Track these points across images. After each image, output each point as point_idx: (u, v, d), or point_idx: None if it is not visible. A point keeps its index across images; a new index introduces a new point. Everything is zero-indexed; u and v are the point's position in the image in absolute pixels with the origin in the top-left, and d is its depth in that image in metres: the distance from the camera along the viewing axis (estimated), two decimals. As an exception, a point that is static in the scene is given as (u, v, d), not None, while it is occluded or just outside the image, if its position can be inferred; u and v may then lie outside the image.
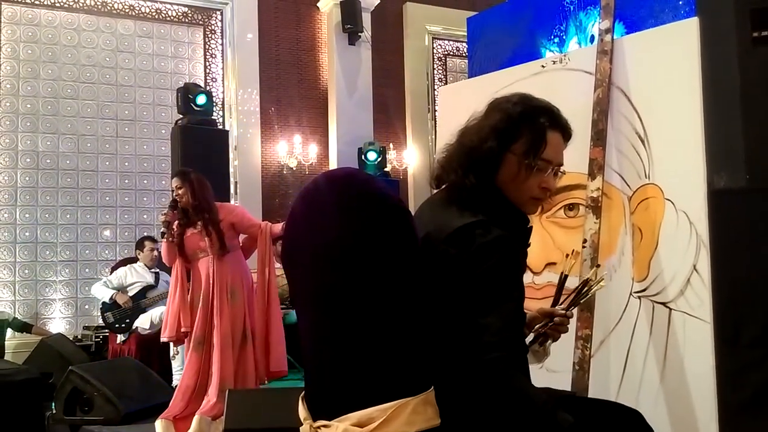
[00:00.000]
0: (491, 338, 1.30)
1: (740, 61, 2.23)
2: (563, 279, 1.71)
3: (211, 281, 3.79)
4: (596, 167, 2.28)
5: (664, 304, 2.19)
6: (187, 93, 5.81)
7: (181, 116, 5.85)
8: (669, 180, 2.22)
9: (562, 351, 2.30)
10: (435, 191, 1.72)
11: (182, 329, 3.80)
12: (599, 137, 2.31)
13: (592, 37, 4.12)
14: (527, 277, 1.71)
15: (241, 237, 4.09)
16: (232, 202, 6.70)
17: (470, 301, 1.34)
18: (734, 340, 2.09)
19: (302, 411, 1.45)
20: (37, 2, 6.70)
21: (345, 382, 1.37)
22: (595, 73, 2.36)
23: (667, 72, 2.26)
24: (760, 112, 2.19)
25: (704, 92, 2.17)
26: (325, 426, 1.36)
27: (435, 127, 8.28)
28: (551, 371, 2.40)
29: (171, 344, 4.15)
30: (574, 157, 2.45)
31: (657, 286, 2.21)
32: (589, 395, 2.17)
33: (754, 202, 2.18)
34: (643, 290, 2.24)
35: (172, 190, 3.92)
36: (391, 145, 8.01)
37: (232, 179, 6.97)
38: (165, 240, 3.88)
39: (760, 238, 2.15)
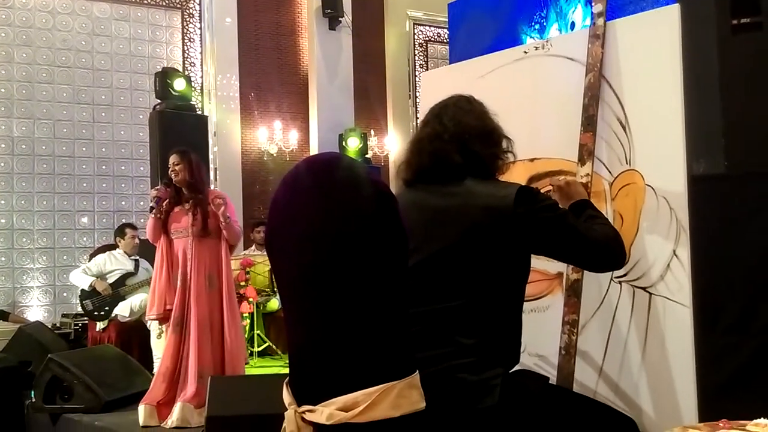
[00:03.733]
0: (590, 230, 1.76)
1: (720, 48, 2.25)
2: None
3: (188, 263, 3.78)
4: (586, 153, 2.27)
5: (644, 288, 2.22)
6: (165, 78, 5.74)
7: (159, 101, 5.78)
8: (649, 166, 2.23)
9: (548, 335, 2.33)
10: (414, 179, 1.78)
11: (167, 307, 3.79)
12: (590, 123, 2.29)
13: (573, 23, 4.13)
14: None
15: None
16: (212, 188, 6.65)
17: (565, 225, 1.73)
18: (713, 324, 2.12)
19: (287, 396, 1.45)
20: (10, -16, 6.56)
21: (329, 367, 1.37)
22: (587, 58, 2.35)
23: (647, 58, 2.27)
24: (740, 99, 2.22)
25: (684, 79, 2.18)
26: (310, 411, 1.36)
27: (416, 113, 8.28)
28: (535, 356, 2.42)
29: (155, 324, 4.13)
30: (557, 143, 2.46)
31: (638, 271, 2.23)
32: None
33: (733, 188, 2.21)
34: (624, 275, 2.26)
35: (168, 168, 3.87)
36: (372, 132, 8.00)
37: (211, 165, 6.91)
38: (152, 216, 3.86)
39: (738, 224, 2.18)
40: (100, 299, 5.21)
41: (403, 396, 1.32)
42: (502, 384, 1.60)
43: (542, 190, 1.93)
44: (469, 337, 1.64)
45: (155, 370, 3.99)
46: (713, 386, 2.07)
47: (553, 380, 2.07)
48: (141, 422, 3.64)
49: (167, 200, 3.85)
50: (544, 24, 4.18)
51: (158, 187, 3.95)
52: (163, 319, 3.89)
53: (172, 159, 3.87)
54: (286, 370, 1.51)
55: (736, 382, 2.09)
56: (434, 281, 1.69)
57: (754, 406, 1.54)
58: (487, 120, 1.82)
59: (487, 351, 1.64)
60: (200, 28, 7.40)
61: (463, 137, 1.76)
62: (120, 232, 5.60)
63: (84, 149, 6.78)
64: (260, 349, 5.84)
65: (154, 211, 3.84)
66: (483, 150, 1.77)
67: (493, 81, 2.69)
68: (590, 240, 1.72)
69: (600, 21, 2.36)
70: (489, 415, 1.59)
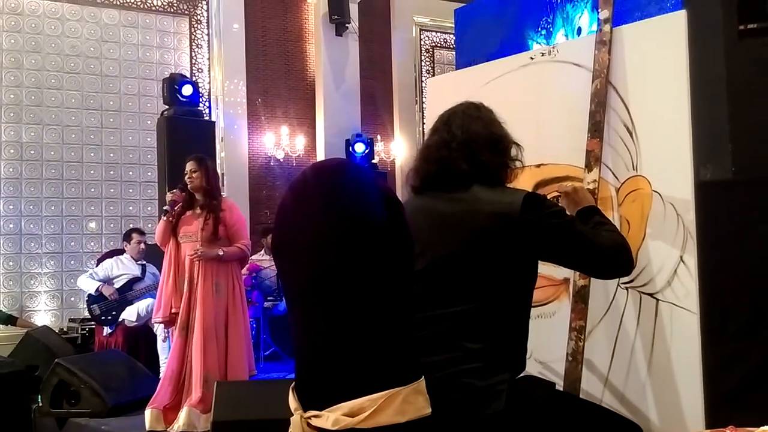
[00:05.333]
0: (597, 236, 1.75)
1: (727, 53, 2.24)
2: None
3: (195, 267, 3.80)
4: (593, 159, 2.26)
5: (651, 294, 2.21)
6: (172, 83, 5.76)
7: (166, 107, 5.80)
8: (656, 172, 2.23)
9: (554, 342, 2.32)
10: (422, 185, 1.78)
11: (172, 310, 3.82)
12: (597, 129, 2.29)
13: (579, 29, 4.13)
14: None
15: None
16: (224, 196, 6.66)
17: (572, 231, 1.72)
18: (720, 331, 2.11)
19: (293, 402, 1.45)
20: (20, -9, 6.61)
21: (335, 372, 1.37)
22: (593, 64, 2.35)
23: (654, 64, 2.27)
24: (747, 105, 2.21)
25: (691, 85, 2.18)
26: (315, 416, 1.36)
27: (422, 118, 8.29)
28: (540, 362, 2.42)
29: (161, 327, 4.15)
30: (563, 149, 2.46)
31: (644, 277, 2.22)
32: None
33: (740, 194, 2.20)
34: (631, 281, 2.25)
35: (185, 174, 3.93)
36: (378, 137, 8.00)
37: (218, 171, 6.92)
38: (165, 218, 3.89)
39: (745, 230, 2.17)
40: (107, 304, 5.22)
41: (409, 402, 1.32)
42: (508, 389, 1.60)
43: (549, 197, 1.92)
44: (475, 342, 1.64)
45: (162, 375, 4.00)
46: (720, 393, 2.06)
47: (559, 387, 2.06)
48: (147, 426, 3.65)
49: (181, 204, 3.89)
50: (551, 30, 4.18)
51: (174, 190, 3.98)
52: (168, 322, 3.91)
53: (190, 165, 3.91)
54: (292, 375, 1.51)
55: (743, 388, 2.07)
56: (440, 286, 1.69)
57: (762, 413, 1.53)
58: (495, 128, 1.82)
59: (493, 356, 1.64)
60: (208, 35, 7.44)
61: (471, 145, 1.76)
62: (127, 236, 5.63)
63: (92, 155, 6.82)
64: (266, 354, 5.84)
65: (167, 214, 3.87)
66: (491, 158, 1.77)
67: (500, 87, 2.70)
68: (598, 246, 1.71)
69: (606, 27, 2.36)
70: (495, 421, 1.58)
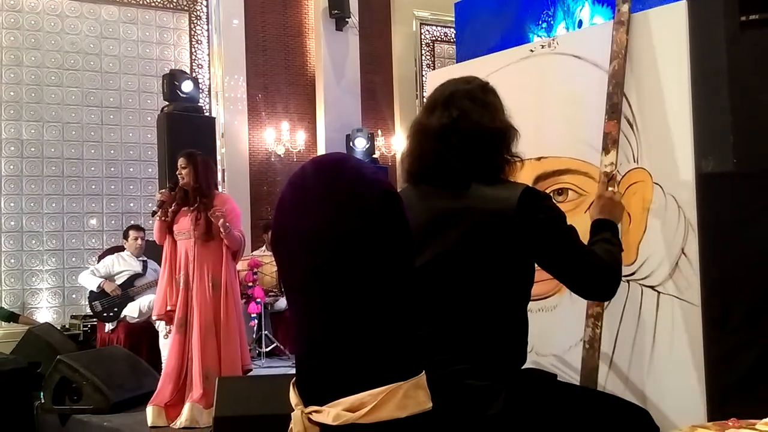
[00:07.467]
0: (589, 251, 1.71)
1: (728, 44, 2.23)
2: None
3: (190, 264, 3.80)
4: (611, 141, 2.20)
5: (652, 287, 2.21)
6: (173, 80, 5.76)
7: (167, 103, 5.80)
8: (657, 164, 2.22)
9: (555, 335, 2.32)
10: (419, 179, 1.75)
11: (168, 308, 3.82)
12: (614, 110, 2.24)
13: (580, 22, 4.12)
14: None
15: None
16: (220, 189, 6.65)
17: (565, 236, 1.68)
18: (722, 323, 2.11)
19: (293, 397, 1.45)
20: (18, -12, 6.60)
21: (336, 368, 1.37)
22: (612, 45, 2.29)
23: (655, 55, 2.26)
24: (748, 97, 2.20)
25: (692, 76, 2.17)
26: (316, 411, 1.36)
27: (423, 113, 8.25)
28: (541, 355, 2.41)
29: (163, 324, 4.17)
30: (564, 141, 2.46)
31: (646, 269, 2.22)
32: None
33: (742, 186, 2.19)
34: (632, 274, 2.25)
35: (176, 170, 3.94)
36: (379, 132, 7.99)
37: (219, 167, 6.92)
38: (158, 218, 3.89)
39: (747, 222, 2.16)
40: (109, 300, 5.23)
41: (410, 396, 1.32)
42: (508, 387, 1.59)
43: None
44: (475, 340, 1.63)
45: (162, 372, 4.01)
46: (722, 385, 2.06)
47: (573, 377, 2.05)
48: (149, 423, 3.66)
49: (174, 203, 3.89)
50: (551, 22, 4.16)
51: (163, 190, 3.99)
52: (166, 319, 3.92)
53: (180, 162, 3.92)
54: (293, 371, 1.50)
55: (745, 380, 2.07)
56: (439, 284, 1.68)
57: (764, 405, 1.53)
58: (500, 120, 1.75)
59: (493, 354, 1.63)
60: (207, 30, 7.42)
61: (474, 140, 1.70)
62: (125, 234, 5.64)
63: (93, 151, 6.81)
64: (268, 349, 5.85)
65: (158, 214, 3.88)
66: (492, 155, 1.72)
67: (500, 79, 2.66)
68: (584, 260, 1.66)
69: (625, 7, 2.32)
70: (496, 419, 1.57)
